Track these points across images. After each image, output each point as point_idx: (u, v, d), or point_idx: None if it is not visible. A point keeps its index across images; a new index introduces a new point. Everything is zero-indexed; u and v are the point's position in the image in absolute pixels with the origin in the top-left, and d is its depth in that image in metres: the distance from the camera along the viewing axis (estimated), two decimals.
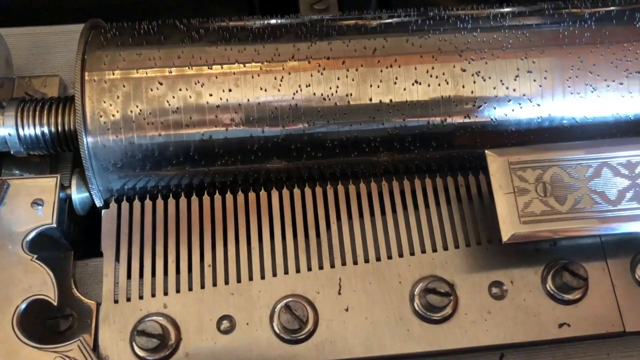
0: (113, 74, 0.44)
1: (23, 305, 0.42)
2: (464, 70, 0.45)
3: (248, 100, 0.44)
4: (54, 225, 0.44)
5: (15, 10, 0.53)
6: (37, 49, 0.58)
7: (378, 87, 0.44)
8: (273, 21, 0.47)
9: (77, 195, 0.46)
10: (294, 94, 0.44)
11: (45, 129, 0.47)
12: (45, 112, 0.47)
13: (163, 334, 0.41)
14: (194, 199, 0.46)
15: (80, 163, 0.49)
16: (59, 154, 0.52)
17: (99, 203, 0.46)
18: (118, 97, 0.43)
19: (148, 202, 0.46)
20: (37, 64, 0.57)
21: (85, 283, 0.47)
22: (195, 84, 0.43)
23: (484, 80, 0.45)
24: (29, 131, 0.47)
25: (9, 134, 0.47)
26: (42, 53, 0.58)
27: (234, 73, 0.44)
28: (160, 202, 0.46)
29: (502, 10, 0.49)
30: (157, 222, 0.45)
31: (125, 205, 0.45)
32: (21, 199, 0.45)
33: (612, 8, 0.48)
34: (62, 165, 0.52)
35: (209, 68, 0.43)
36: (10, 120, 0.47)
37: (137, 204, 0.45)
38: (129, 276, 0.44)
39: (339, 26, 0.47)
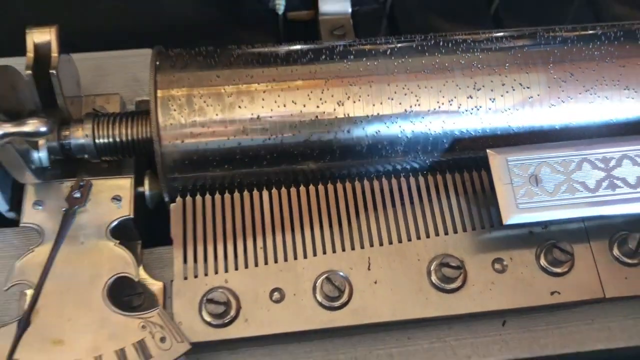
0: (180, 91, 0.53)
1: (111, 281, 0.50)
2: (466, 82, 0.54)
3: (291, 113, 0.53)
4: (132, 216, 0.53)
5: (77, 38, 0.62)
6: (97, 71, 0.67)
7: (392, 100, 0.54)
8: (314, 46, 0.56)
9: (149, 192, 0.55)
10: (324, 106, 0.53)
11: (117, 138, 0.56)
12: (117, 124, 0.57)
13: (228, 302, 0.50)
14: (246, 195, 0.55)
15: (142, 167, 0.58)
16: (121, 161, 0.61)
17: (167, 198, 0.55)
18: (184, 110, 0.52)
19: (208, 197, 0.55)
20: (97, 84, 0.67)
21: (151, 267, 0.56)
22: (252, 99, 0.53)
23: (480, 90, 0.54)
24: (103, 140, 0.56)
25: (87, 142, 0.56)
26: (101, 75, 0.67)
27: (281, 89, 0.53)
28: (218, 197, 0.55)
29: (498, 33, 0.59)
30: (216, 213, 0.54)
31: (189, 199, 0.54)
32: (103, 195, 0.54)
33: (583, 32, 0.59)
34: (125, 170, 0.60)
35: (264, 85, 0.53)
36: (88, 131, 0.56)
37: (199, 198, 0.55)
38: (195, 258, 0.53)
39: (360, 49, 0.57)
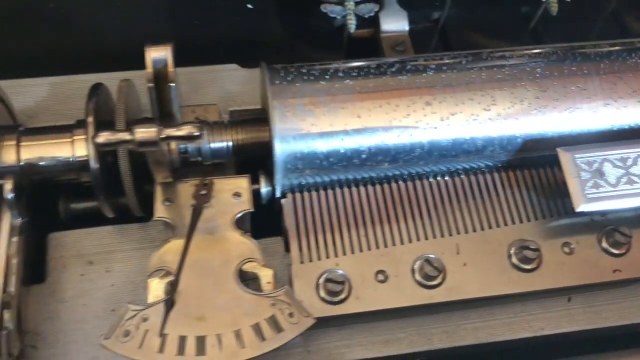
0: (291, 99, 0.60)
1: (240, 265, 0.58)
2: (533, 86, 0.63)
3: (386, 112, 0.61)
4: (252, 209, 0.61)
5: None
6: (190, 84, 0.75)
7: (472, 101, 0.62)
8: (398, 59, 0.65)
9: (264, 189, 0.62)
10: (414, 106, 0.61)
11: (230, 142, 0.64)
12: (229, 130, 0.64)
13: (344, 281, 0.58)
14: (347, 190, 0.63)
15: (244, 168, 0.66)
16: (224, 164, 0.68)
17: (278, 194, 0.62)
18: (296, 115, 0.60)
19: (314, 193, 0.62)
20: (192, 96, 0.74)
21: None
22: (352, 102, 0.60)
23: (545, 92, 0.63)
24: (217, 144, 0.64)
25: (203, 147, 0.63)
26: (195, 88, 0.75)
27: (376, 94, 0.61)
28: (322, 193, 0.62)
29: (553, 48, 0.68)
30: (322, 206, 0.62)
31: (298, 195, 0.62)
32: (225, 192, 0.61)
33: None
34: (228, 170, 0.67)
35: (362, 92, 0.61)
36: (205, 137, 0.63)
37: (306, 194, 0.62)
38: (308, 245, 0.60)
39: (440, 62, 0.65)
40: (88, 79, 0.73)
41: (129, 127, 0.55)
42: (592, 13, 0.93)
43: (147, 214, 0.64)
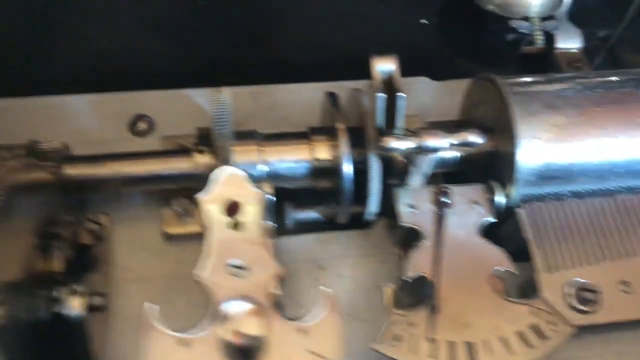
0: (532, 109, 0.61)
1: (493, 273, 0.58)
2: None
3: (630, 126, 0.62)
4: (494, 219, 0.61)
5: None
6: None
7: None
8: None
9: (499, 199, 0.63)
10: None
11: (458, 153, 0.64)
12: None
13: (596, 290, 0.58)
14: (580, 201, 0.63)
15: (451, 179, 0.66)
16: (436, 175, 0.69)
17: (515, 204, 0.63)
18: (537, 126, 0.61)
19: (549, 203, 0.63)
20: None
21: None
22: (590, 118, 0.61)
23: None
24: (445, 154, 0.64)
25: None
26: None
27: (620, 109, 0.62)
28: (556, 203, 0.63)
29: None
30: (559, 216, 0.62)
31: (536, 205, 0.62)
32: (463, 200, 0.62)
33: None
34: (437, 182, 0.68)
35: (607, 105, 0.62)
36: None
37: (540, 204, 0.63)
38: (549, 255, 0.60)
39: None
40: (286, 89, 0.75)
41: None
42: None
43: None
